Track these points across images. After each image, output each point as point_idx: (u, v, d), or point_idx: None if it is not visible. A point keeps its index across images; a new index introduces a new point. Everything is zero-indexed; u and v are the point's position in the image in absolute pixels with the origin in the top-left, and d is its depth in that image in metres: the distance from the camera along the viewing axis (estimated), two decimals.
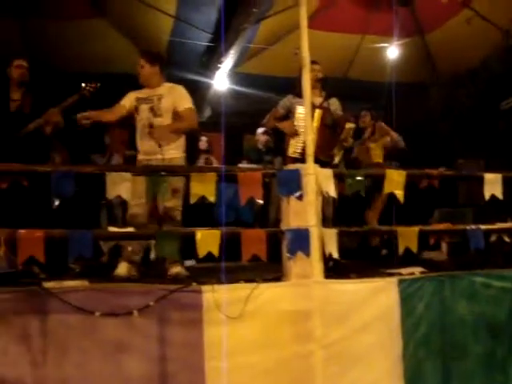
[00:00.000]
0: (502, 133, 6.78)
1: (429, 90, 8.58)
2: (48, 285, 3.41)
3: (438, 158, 7.18)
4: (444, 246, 6.03)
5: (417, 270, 4.11)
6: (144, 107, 4.57)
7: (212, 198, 3.57)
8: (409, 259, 4.66)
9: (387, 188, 4.01)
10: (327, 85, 5.55)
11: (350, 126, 5.11)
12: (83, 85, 4.65)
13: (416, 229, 4.01)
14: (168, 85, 4.70)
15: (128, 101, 4.66)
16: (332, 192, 3.79)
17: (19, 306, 3.30)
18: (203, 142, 7.50)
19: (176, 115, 4.58)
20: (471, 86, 7.90)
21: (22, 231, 3.35)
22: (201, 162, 7.28)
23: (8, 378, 3.21)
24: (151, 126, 4.45)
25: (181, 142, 4.64)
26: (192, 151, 6.94)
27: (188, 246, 3.77)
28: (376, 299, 3.81)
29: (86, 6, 6.70)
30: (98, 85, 4.67)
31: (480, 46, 7.52)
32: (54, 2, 6.44)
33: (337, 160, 5.06)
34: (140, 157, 4.61)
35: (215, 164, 7.17)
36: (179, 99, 4.61)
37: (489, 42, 7.45)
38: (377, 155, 6.30)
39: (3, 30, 6.58)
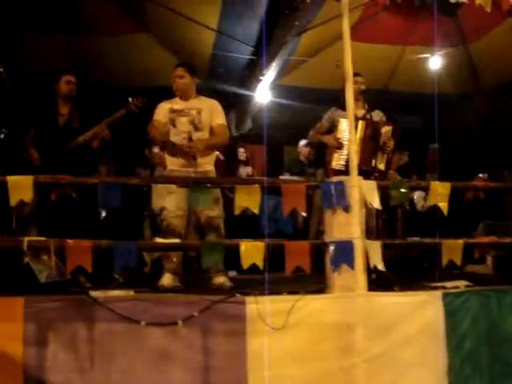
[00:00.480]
0: None
1: (471, 100, 8.46)
2: (95, 294, 3.49)
3: (480, 169, 7.09)
4: (489, 260, 5.91)
5: (461, 284, 4.03)
6: (183, 120, 4.57)
7: (256, 210, 3.61)
8: (452, 272, 4.60)
9: (431, 200, 3.96)
10: (367, 97, 5.55)
11: (386, 129, 5.11)
12: (130, 99, 4.73)
13: (460, 241, 3.95)
14: (203, 98, 4.73)
15: (163, 114, 4.64)
16: (376, 203, 3.77)
17: (68, 314, 3.39)
18: (241, 153, 7.57)
19: (211, 130, 4.63)
20: None
21: (71, 241, 3.45)
22: (241, 173, 7.35)
23: (56, 383, 3.29)
24: (190, 139, 4.47)
25: (213, 156, 4.70)
26: (230, 162, 7.05)
27: (230, 257, 3.81)
28: (420, 313, 3.76)
29: (129, 21, 6.84)
30: (145, 100, 4.74)
31: None
32: (98, 19, 6.61)
33: (382, 167, 5.01)
34: (171, 168, 4.58)
35: (255, 176, 7.22)
36: (215, 114, 4.65)
37: None
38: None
39: (52, 45, 6.80)
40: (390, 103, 7.98)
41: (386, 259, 5.11)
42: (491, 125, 8.23)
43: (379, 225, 4.58)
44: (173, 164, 4.58)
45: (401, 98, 8.39)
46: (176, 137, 4.55)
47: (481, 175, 7.06)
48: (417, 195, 6.62)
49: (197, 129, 4.56)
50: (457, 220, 6.24)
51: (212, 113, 4.64)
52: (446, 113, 7.74)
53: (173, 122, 4.59)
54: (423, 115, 8.85)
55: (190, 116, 4.58)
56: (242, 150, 7.59)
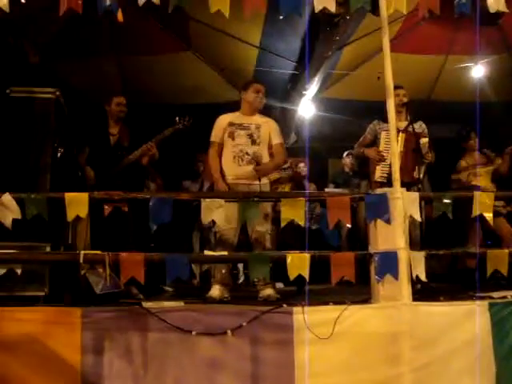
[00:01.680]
0: None
1: None
2: (147, 305, 3.63)
3: None
4: None
5: (509, 294, 4.01)
6: (241, 133, 4.77)
7: (302, 222, 3.70)
8: (503, 283, 4.56)
9: (476, 210, 3.97)
10: (412, 108, 5.58)
11: (424, 140, 5.13)
12: (177, 119, 4.92)
13: (506, 251, 3.93)
14: (260, 115, 4.94)
15: (221, 132, 4.84)
16: (417, 216, 3.81)
17: (122, 324, 3.55)
18: (301, 167, 7.62)
19: (269, 148, 4.83)
20: None
21: (124, 254, 3.61)
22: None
23: None
24: (258, 164, 4.68)
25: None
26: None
27: (277, 269, 3.90)
28: (466, 323, 3.74)
29: (174, 40, 7.01)
30: (191, 119, 4.92)
31: None
32: (144, 39, 6.81)
33: (420, 176, 5.04)
34: (230, 180, 4.76)
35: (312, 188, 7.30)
36: (274, 133, 4.88)
37: None
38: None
39: (103, 66, 7.07)
40: (434, 113, 7.97)
41: (433, 270, 5.14)
42: None
43: (423, 235, 4.59)
44: (228, 176, 4.76)
45: (444, 107, 8.33)
46: (233, 149, 4.76)
47: None
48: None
49: (254, 143, 4.76)
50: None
51: (271, 131, 4.87)
52: (490, 121, 7.69)
53: (232, 135, 4.78)
54: (467, 124, 8.77)
55: (249, 130, 4.78)
56: (301, 164, 7.65)
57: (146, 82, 7.38)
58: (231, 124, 4.81)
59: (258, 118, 4.88)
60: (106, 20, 5.40)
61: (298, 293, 4.79)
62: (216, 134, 4.86)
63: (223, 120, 4.88)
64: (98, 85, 6.85)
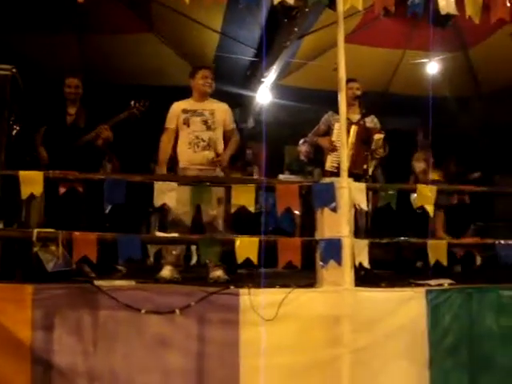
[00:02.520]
0: None
1: (470, 103, 8.63)
2: (99, 283, 3.72)
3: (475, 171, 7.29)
4: (478, 260, 6.12)
5: (445, 282, 4.24)
6: (196, 119, 4.84)
7: (252, 208, 3.83)
8: (442, 272, 4.80)
9: (418, 202, 4.18)
10: (367, 99, 5.74)
11: (378, 136, 5.30)
12: (132, 103, 4.95)
13: (445, 242, 4.15)
14: (214, 100, 5.00)
15: (175, 118, 4.90)
16: (364, 205, 3.99)
17: (73, 301, 3.63)
18: (249, 153, 7.77)
19: (225, 133, 4.94)
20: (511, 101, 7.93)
21: (78, 233, 3.68)
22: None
23: (62, 366, 3.53)
24: (218, 155, 4.78)
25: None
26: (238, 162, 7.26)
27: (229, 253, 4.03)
28: (404, 308, 3.95)
29: (137, 21, 7.02)
30: (147, 103, 4.95)
31: None
32: (106, 18, 6.77)
33: (370, 171, 5.23)
34: (184, 165, 4.86)
35: (256, 175, 7.44)
36: (228, 118, 4.98)
37: None
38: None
39: (63, 44, 7.00)
40: (391, 105, 8.21)
41: (379, 258, 5.36)
42: (488, 129, 8.41)
43: (368, 224, 4.78)
44: (183, 161, 4.86)
45: (401, 100, 8.56)
46: (189, 135, 4.83)
47: (476, 174, 7.28)
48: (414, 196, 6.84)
49: (209, 129, 4.85)
50: (450, 221, 6.49)
51: (226, 117, 4.96)
52: (445, 116, 7.95)
53: (187, 122, 4.85)
54: (422, 118, 9.02)
55: (204, 116, 4.85)
56: (249, 151, 7.80)
57: (107, 61, 7.34)
58: (185, 111, 4.88)
59: (212, 104, 4.96)
60: None
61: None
62: (170, 121, 4.93)
63: (177, 107, 4.94)
64: (57, 62, 6.80)
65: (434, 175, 6.95)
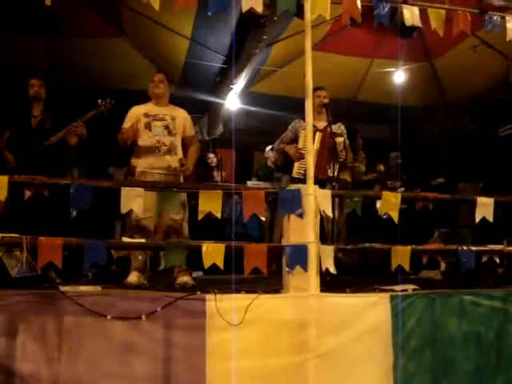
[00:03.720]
0: (501, 158, 7.00)
1: (435, 113, 8.82)
2: (64, 289, 3.69)
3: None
4: (443, 266, 6.23)
5: (409, 288, 4.32)
6: (157, 124, 4.86)
7: (218, 215, 3.85)
8: (407, 277, 4.89)
9: (383, 208, 4.26)
10: (336, 107, 5.82)
11: (339, 140, 5.38)
12: (99, 101, 4.95)
13: (408, 248, 4.23)
14: (174, 106, 5.04)
15: (133, 119, 4.89)
16: (329, 212, 4.05)
17: (38, 307, 3.59)
18: (211, 158, 7.80)
19: (184, 139, 4.97)
20: (475, 111, 8.14)
21: (43, 238, 3.64)
22: (215, 179, 7.58)
23: (25, 372, 3.48)
24: (182, 164, 4.80)
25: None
26: (202, 168, 7.29)
27: (196, 258, 4.04)
28: (369, 313, 4.02)
29: (106, 25, 6.98)
30: (113, 101, 4.95)
31: (485, 73, 7.75)
32: (75, 22, 6.73)
33: (335, 175, 5.28)
34: (142, 169, 4.83)
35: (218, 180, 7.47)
36: (188, 124, 5.02)
37: (493, 69, 7.65)
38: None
39: (30, 46, 6.92)
40: (359, 113, 8.35)
41: (346, 264, 5.43)
42: (452, 138, 8.61)
43: (335, 230, 4.84)
44: (143, 165, 4.84)
45: (369, 108, 8.70)
46: (150, 139, 4.83)
47: (439, 180, 7.43)
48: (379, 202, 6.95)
49: (170, 134, 4.87)
50: (415, 227, 6.59)
51: (185, 123, 4.99)
52: (412, 124, 8.11)
53: (148, 126, 4.85)
54: (390, 125, 9.19)
55: (165, 121, 4.87)
56: (211, 155, 7.82)
57: (75, 64, 7.29)
58: (147, 115, 4.89)
59: (172, 110, 4.99)
60: None
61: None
62: (128, 120, 4.93)
63: (137, 110, 4.96)
64: (23, 64, 6.72)
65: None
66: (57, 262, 3.64)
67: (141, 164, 4.86)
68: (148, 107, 4.97)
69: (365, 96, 8.71)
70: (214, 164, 7.70)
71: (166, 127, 4.86)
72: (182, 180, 4.90)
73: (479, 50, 7.34)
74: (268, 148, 7.59)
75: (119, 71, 7.43)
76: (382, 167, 7.76)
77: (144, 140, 4.86)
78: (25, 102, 5.10)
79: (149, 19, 6.53)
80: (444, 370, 4.17)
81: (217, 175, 7.69)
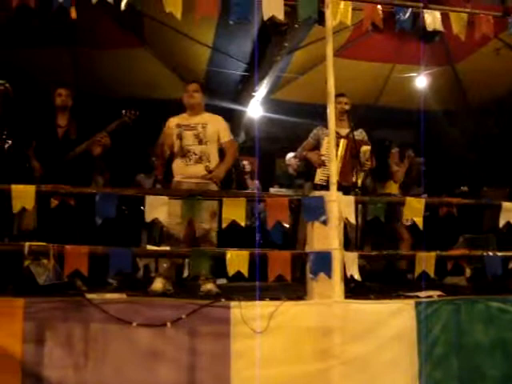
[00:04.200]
0: None
1: (458, 117, 8.75)
2: (90, 296, 3.74)
3: (463, 184, 7.38)
4: (468, 272, 6.16)
5: (434, 294, 4.29)
6: (188, 134, 4.89)
7: (242, 223, 3.87)
8: (431, 283, 4.84)
9: (407, 215, 4.24)
10: (357, 112, 5.81)
11: (365, 148, 5.36)
12: (123, 112, 5.01)
13: (433, 254, 4.20)
14: (208, 114, 5.06)
15: (168, 131, 4.97)
16: (352, 218, 4.05)
17: (64, 314, 3.64)
18: (245, 165, 7.81)
19: (219, 145, 4.97)
20: (498, 114, 8.05)
21: (69, 247, 3.71)
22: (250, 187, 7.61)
23: (52, 379, 3.54)
24: (210, 171, 4.81)
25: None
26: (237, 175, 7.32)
27: (220, 266, 4.06)
28: (393, 320, 4.00)
29: (129, 36, 7.07)
30: (137, 112, 5.01)
31: (508, 76, 7.65)
32: (99, 33, 6.84)
33: (359, 183, 5.27)
34: (179, 179, 4.91)
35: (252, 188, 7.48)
36: (223, 130, 5.01)
37: None
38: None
39: (55, 58, 7.04)
40: (381, 118, 8.31)
41: (370, 270, 5.40)
42: (476, 142, 8.53)
43: (358, 236, 4.84)
44: (177, 175, 4.92)
45: (391, 113, 8.66)
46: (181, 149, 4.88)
47: (463, 188, 7.36)
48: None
49: (201, 142, 4.89)
50: (439, 233, 6.54)
51: (219, 129, 4.98)
52: (434, 129, 8.06)
53: (179, 136, 4.91)
54: (412, 130, 9.13)
55: (196, 130, 4.90)
56: (245, 162, 7.83)
57: (99, 75, 7.40)
58: (179, 125, 4.95)
59: (205, 117, 5.01)
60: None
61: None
62: (162, 136, 5.01)
63: (171, 123, 5.02)
64: (49, 76, 6.82)
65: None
66: (83, 269, 3.70)
67: (176, 173, 4.94)
68: (181, 117, 5.02)
69: (386, 101, 8.67)
70: (247, 170, 7.69)
71: (197, 136, 4.89)
72: (215, 188, 4.91)
73: (502, 53, 7.27)
74: (289, 155, 7.60)
75: (142, 80, 7.52)
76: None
77: (176, 150, 4.92)
78: (50, 112, 5.18)
79: (170, 28, 6.59)
80: (470, 378, 4.12)
81: (250, 183, 7.71)
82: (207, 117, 5.02)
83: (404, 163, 6.74)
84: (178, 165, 4.93)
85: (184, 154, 4.87)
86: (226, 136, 5.02)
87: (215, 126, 4.98)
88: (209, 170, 4.83)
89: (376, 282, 5.55)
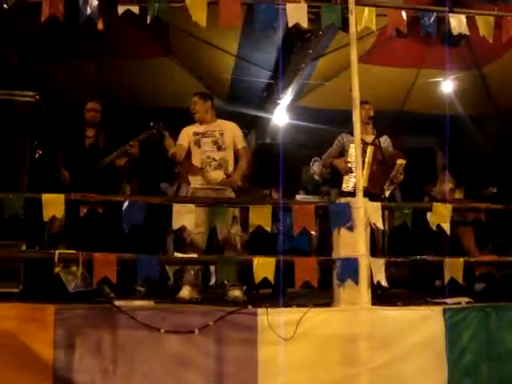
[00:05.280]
0: None
1: (486, 122, 8.63)
2: (119, 303, 3.79)
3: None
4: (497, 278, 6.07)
5: (463, 300, 4.25)
6: (206, 141, 4.95)
7: (268, 228, 3.89)
8: (460, 290, 4.78)
9: (434, 220, 4.20)
10: (383, 118, 5.78)
11: (401, 162, 5.33)
12: (151, 124, 5.08)
13: (461, 260, 4.16)
14: (223, 121, 5.12)
15: (186, 138, 5.04)
16: (379, 224, 4.03)
17: (94, 321, 3.70)
18: None
19: (235, 152, 5.01)
20: None
21: (98, 254, 3.77)
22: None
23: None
24: (228, 176, 4.88)
25: None
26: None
27: (247, 272, 4.09)
28: (421, 327, 3.97)
29: (154, 45, 7.13)
30: (165, 125, 5.06)
31: None
32: (125, 42, 6.93)
33: (387, 194, 5.25)
34: (198, 185, 4.94)
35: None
36: (238, 137, 5.06)
37: None
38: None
39: (83, 70, 7.16)
40: (407, 124, 8.26)
41: (397, 276, 5.35)
42: (504, 146, 8.40)
43: (385, 243, 4.81)
44: (195, 182, 4.95)
45: (416, 119, 8.59)
46: (200, 156, 4.94)
47: (492, 189, 7.25)
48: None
49: (220, 149, 4.95)
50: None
51: (234, 136, 5.04)
52: (461, 134, 7.96)
53: (198, 143, 4.98)
54: (438, 136, 9.05)
55: (214, 137, 4.96)
56: None
57: (126, 85, 7.48)
58: (196, 133, 5.02)
59: (220, 124, 5.06)
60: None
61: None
62: (181, 138, 5.08)
63: (188, 130, 5.08)
64: (77, 87, 6.95)
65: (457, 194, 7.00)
66: (111, 277, 3.75)
67: (194, 181, 4.98)
68: (197, 126, 5.08)
69: (412, 107, 8.59)
70: None
71: (215, 143, 4.95)
72: (232, 194, 4.96)
73: None
74: (313, 162, 7.59)
75: (168, 90, 7.57)
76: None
77: (195, 157, 4.98)
78: (79, 124, 5.28)
79: (195, 38, 6.65)
80: None
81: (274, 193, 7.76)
82: (222, 124, 5.08)
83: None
84: (196, 172, 4.97)
85: (204, 160, 4.92)
86: (241, 142, 5.08)
87: (231, 132, 5.03)
88: (228, 174, 4.88)
89: (403, 288, 5.52)
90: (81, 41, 6.72)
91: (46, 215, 3.81)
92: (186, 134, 5.05)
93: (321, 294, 4.27)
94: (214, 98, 5.43)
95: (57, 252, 3.78)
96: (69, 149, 5.17)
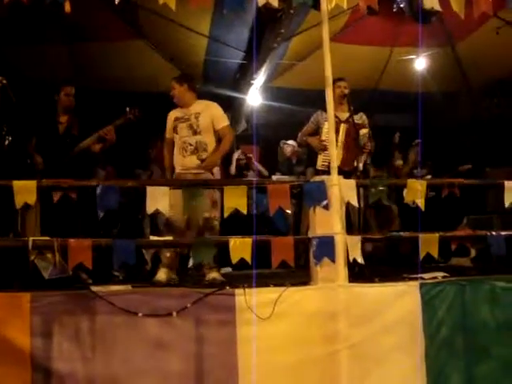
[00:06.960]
0: None
1: (459, 98, 8.70)
2: (96, 289, 3.76)
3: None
4: (473, 253, 6.17)
5: (439, 275, 4.29)
6: (182, 126, 4.90)
7: (244, 211, 3.87)
8: (436, 265, 4.84)
9: (409, 197, 4.23)
10: (358, 97, 5.78)
11: (364, 131, 5.36)
12: (127, 109, 5.01)
13: (436, 235, 4.20)
14: (202, 102, 5.04)
15: (170, 127, 5.02)
16: (354, 201, 4.04)
17: (71, 308, 3.67)
18: (239, 155, 7.83)
19: (215, 133, 4.93)
20: (500, 95, 8.00)
21: (73, 240, 3.73)
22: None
23: (62, 371, 3.56)
24: (202, 160, 4.82)
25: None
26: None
27: (224, 254, 4.08)
28: (398, 302, 4.00)
29: (125, 28, 7.02)
30: (141, 111, 5.02)
31: (509, 55, 7.59)
32: (95, 26, 6.82)
33: (360, 167, 5.26)
34: (178, 170, 4.94)
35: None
36: (216, 117, 4.94)
37: None
38: None
39: (54, 54, 7.03)
40: (381, 102, 8.29)
41: (374, 253, 5.40)
42: (478, 123, 8.48)
43: (361, 220, 4.84)
44: (177, 167, 4.95)
45: (391, 97, 8.62)
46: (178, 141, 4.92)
47: (467, 166, 7.35)
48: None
49: (196, 133, 4.88)
50: (443, 215, 6.54)
51: (213, 116, 4.93)
52: (435, 111, 8.02)
53: (176, 130, 4.95)
54: (413, 113, 9.09)
55: (189, 121, 4.90)
56: (238, 151, 7.85)
57: (98, 68, 7.39)
58: (176, 118, 4.98)
59: (198, 106, 4.97)
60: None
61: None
62: (168, 131, 5.05)
63: (171, 115, 5.04)
64: (47, 72, 6.83)
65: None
66: (87, 263, 3.71)
67: (176, 165, 4.97)
68: (179, 110, 5.04)
69: (386, 85, 8.61)
70: (242, 163, 7.74)
71: (190, 127, 4.89)
72: (211, 177, 4.92)
73: (502, 32, 7.19)
74: (282, 142, 7.63)
75: (140, 73, 7.48)
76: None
77: (176, 143, 4.97)
78: (50, 109, 5.18)
79: (166, 19, 6.55)
80: (477, 358, 4.12)
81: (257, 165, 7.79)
82: (200, 106, 4.98)
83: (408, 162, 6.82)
84: (177, 157, 4.96)
85: (181, 146, 4.89)
86: (220, 122, 4.94)
87: (208, 114, 4.92)
88: (201, 159, 4.82)
89: (380, 265, 5.57)
90: (49, 24, 6.59)
91: (18, 202, 3.75)
92: (170, 122, 5.02)
93: (301, 274, 4.28)
94: None
95: (31, 239, 3.73)
96: (41, 135, 5.07)
